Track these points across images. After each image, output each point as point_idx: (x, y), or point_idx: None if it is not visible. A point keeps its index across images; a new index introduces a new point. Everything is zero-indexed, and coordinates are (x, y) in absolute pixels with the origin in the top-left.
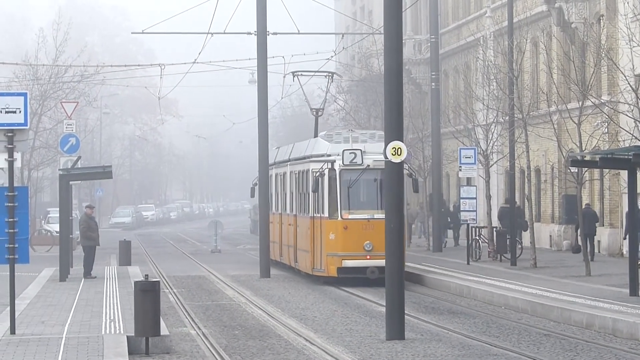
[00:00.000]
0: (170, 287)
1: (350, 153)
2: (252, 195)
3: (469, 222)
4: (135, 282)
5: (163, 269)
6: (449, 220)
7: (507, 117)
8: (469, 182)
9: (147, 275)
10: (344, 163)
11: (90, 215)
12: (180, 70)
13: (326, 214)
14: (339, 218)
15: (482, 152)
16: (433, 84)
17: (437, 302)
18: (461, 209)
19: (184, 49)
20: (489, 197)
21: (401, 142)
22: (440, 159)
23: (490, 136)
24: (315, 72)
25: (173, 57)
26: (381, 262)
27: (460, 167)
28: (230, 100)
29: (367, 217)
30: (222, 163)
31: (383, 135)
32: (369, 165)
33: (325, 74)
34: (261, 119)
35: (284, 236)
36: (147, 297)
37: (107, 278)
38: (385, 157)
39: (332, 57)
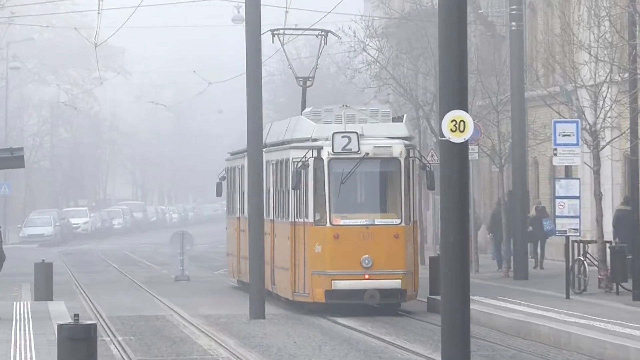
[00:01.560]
0: (113, 334)
1: (343, 137)
2: (219, 194)
3: (568, 233)
4: (60, 326)
5: (102, 306)
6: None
7: (626, 75)
8: (568, 172)
9: (77, 315)
10: (335, 150)
11: None
12: (128, 2)
13: (311, 219)
14: (328, 224)
15: (588, 127)
16: (513, 23)
17: (520, 357)
18: (556, 214)
19: None
20: (599, 196)
21: (465, 113)
22: (525, 138)
23: (601, 103)
24: (302, 30)
25: None
26: (384, 284)
27: (555, 150)
28: (205, 49)
29: (365, 223)
30: (192, 144)
31: (389, 114)
32: (367, 154)
33: (317, 32)
34: (251, 77)
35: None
36: (78, 348)
37: (16, 319)
38: (441, 134)
39: None
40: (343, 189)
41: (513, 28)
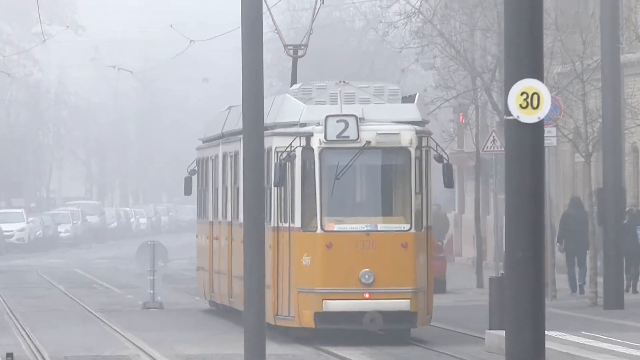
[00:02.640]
0: None
1: (338, 121)
2: (188, 192)
3: None
4: None
5: (44, 343)
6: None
7: None
8: None
9: (10, 355)
10: (328, 138)
11: None
12: None
13: (297, 224)
14: (319, 230)
15: None
16: None
17: None
18: None
19: None
20: None
21: (539, 82)
22: (620, 117)
23: None
24: None
25: None
26: (389, 304)
27: None
28: None
29: (365, 229)
30: (166, 124)
31: (398, 92)
32: (369, 142)
33: None
34: (249, 31)
35: (234, 261)
36: None
37: None
38: (508, 112)
39: None
40: (338, 186)
41: None
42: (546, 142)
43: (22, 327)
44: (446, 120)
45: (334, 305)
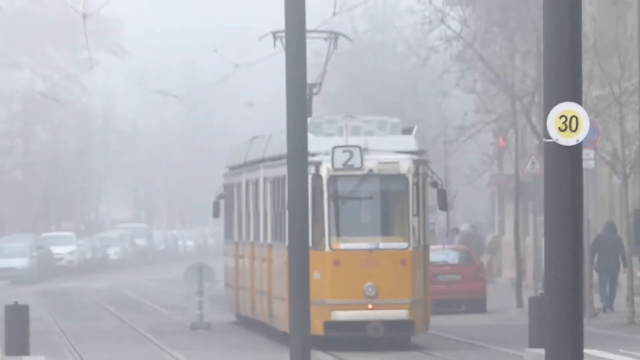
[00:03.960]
0: None
1: (344, 151)
2: (216, 215)
3: None
4: None
5: None
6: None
7: None
8: None
9: None
10: (335, 166)
11: None
12: None
13: (312, 243)
14: (327, 249)
15: None
16: None
17: None
18: None
19: None
20: None
21: (578, 106)
22: None
23: None
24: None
25: None
26: (389, 314)
27: None
28: (228, 20)
29: (368, 248)
30: (211, 147)
31: (399, 125)
32: (371, 170)
33: (325, 35)
34: (292, 53)
35: (256, 278)
36: None
37: None
38: (547, 135)
39: None
40: (344, 209)
41: None
42: (584, 164)
43: (73, 347)
44: (486, 143)
45: (341, 315)
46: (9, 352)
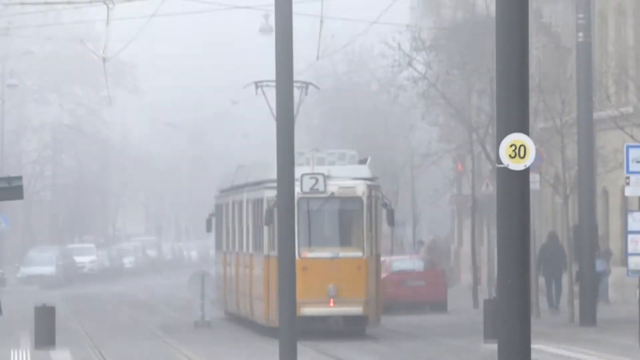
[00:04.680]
0: None
1: (310, 178)
2: (209, 229)
3: None
4: None
5: (112, 356)
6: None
7: None
8: None
9: None
10: (304, 190)
11: None
12: (140, 11)
13: None
14: (297, 257)
15: None
16: (581, 34)
17: None
18: (629, 251)
19: None
20: None
21: (525, 136)
22: (593, 165)
23: None
24: None
25: None
26: (347, 310)
27: (628, 178)
28: (227, 64)
29: (330, 256)
30: (213, 172)
31: (356, 157)
32: (333, 193)
33: (298, 84)
34: (281, 94)
35: (240, 282)
36: None
37: None
38: (499, 161)
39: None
40: (311, 225)
41: (580, 39)
42: (531, 186)
43: (93, 342)
44: (447, 168)
45: (308, 311)
46: (38, 346)
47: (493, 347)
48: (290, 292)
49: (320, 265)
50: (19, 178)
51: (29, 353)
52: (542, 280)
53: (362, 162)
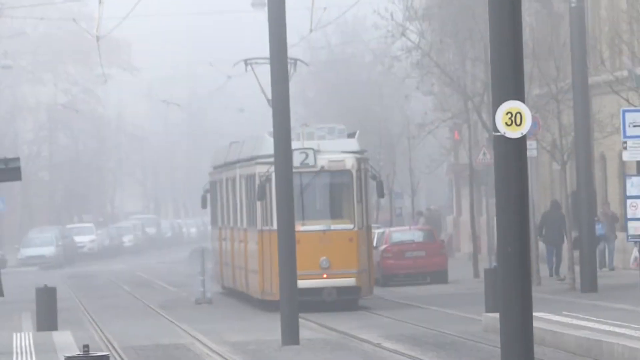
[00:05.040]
0: None
1: (300, 153)
2: (204, 206)
3: None
4: (67, 359)
5: (114, 335)
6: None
7: None
8: None
9: (86, 346)
10: (294, 164)
11: None
12: None
13: (275, 226)
14: None
15: None
16: (574, 0)
17: None
18: (628, 216)
19: None
20: None
21: (521, 103)
22: (590, 130)
23: None
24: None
25: None
26: (340, 282)
27: (625, 143)
28: (222, 39)
29: (322, 229)
30: (209, 147)
31: (344, 130)
32: (323, 167)
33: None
34: (275, 67)
35: (236, 256)
36: None
37: (16, 353)
38: (495, 129)
39: None
40: (302, 198)
41: (573, 4)
42: (528, 153)
43: (94, 322)
44: (444, 137)
45: (302, 284)
46: (40, 328)
47: (495, 316)
48: (291, 264)
49: (313, 238)
50: (17, 159)
51: (31, 336)
52: (542, 247)
53: (351, 135)
